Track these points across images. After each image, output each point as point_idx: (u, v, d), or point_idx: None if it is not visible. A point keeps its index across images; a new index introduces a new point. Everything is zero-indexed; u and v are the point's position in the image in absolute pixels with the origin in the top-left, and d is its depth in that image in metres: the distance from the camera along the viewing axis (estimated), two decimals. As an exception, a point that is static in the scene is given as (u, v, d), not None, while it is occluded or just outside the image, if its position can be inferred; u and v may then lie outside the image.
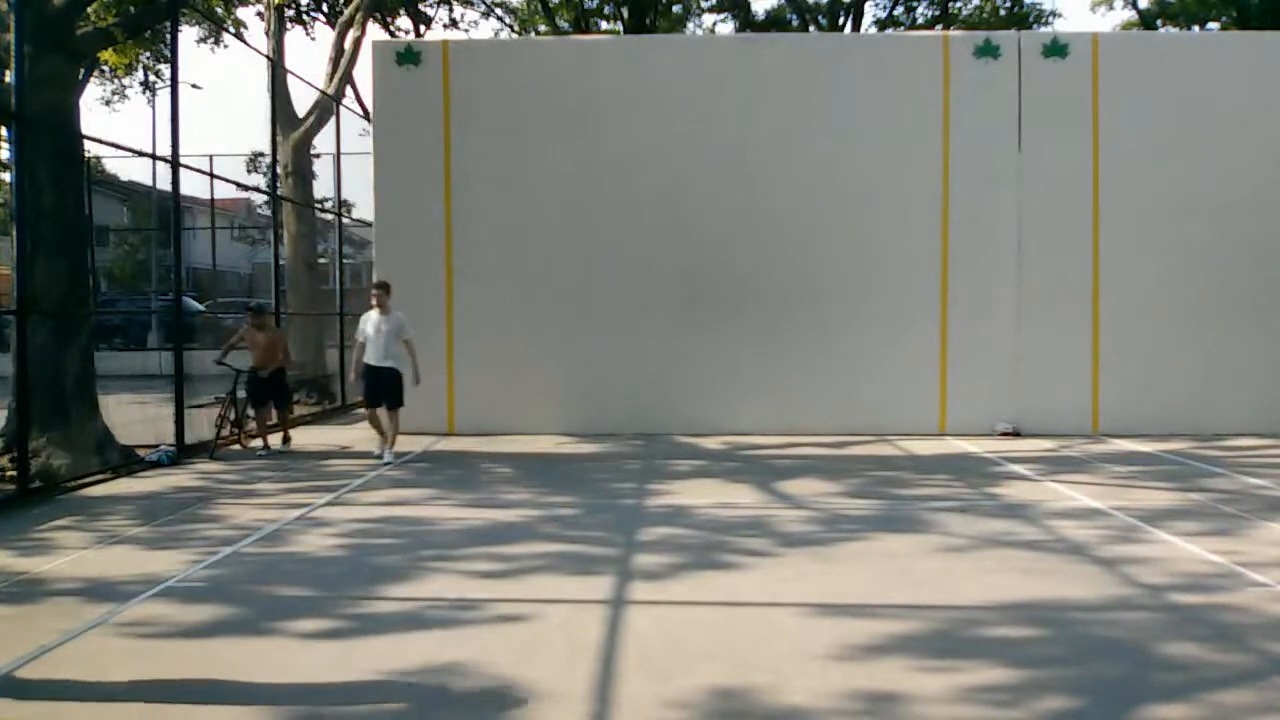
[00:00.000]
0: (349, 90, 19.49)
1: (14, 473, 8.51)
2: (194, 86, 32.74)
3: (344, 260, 19.28)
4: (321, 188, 19.72)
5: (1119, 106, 12.28)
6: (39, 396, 9.31)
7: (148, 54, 20.97)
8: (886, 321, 12.44)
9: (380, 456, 10.49)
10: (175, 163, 10.88)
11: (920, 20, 29.71)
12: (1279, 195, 12.25)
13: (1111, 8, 28.51)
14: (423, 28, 25.53)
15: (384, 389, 10.50)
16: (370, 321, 10.53)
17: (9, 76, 10.10)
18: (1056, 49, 12.41)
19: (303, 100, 17.36)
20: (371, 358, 10.44)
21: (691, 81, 12.66)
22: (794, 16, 29.93)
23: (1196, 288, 12.32)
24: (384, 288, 10.59)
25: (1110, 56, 12.42)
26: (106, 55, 16.22)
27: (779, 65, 12.73)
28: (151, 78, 24.28)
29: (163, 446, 10.47)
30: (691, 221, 12.56)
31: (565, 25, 27.65)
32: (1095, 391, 12.34)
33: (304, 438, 12.33)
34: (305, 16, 22.73)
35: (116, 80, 24.41)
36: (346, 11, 18.55)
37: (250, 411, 11.47)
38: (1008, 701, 4.03)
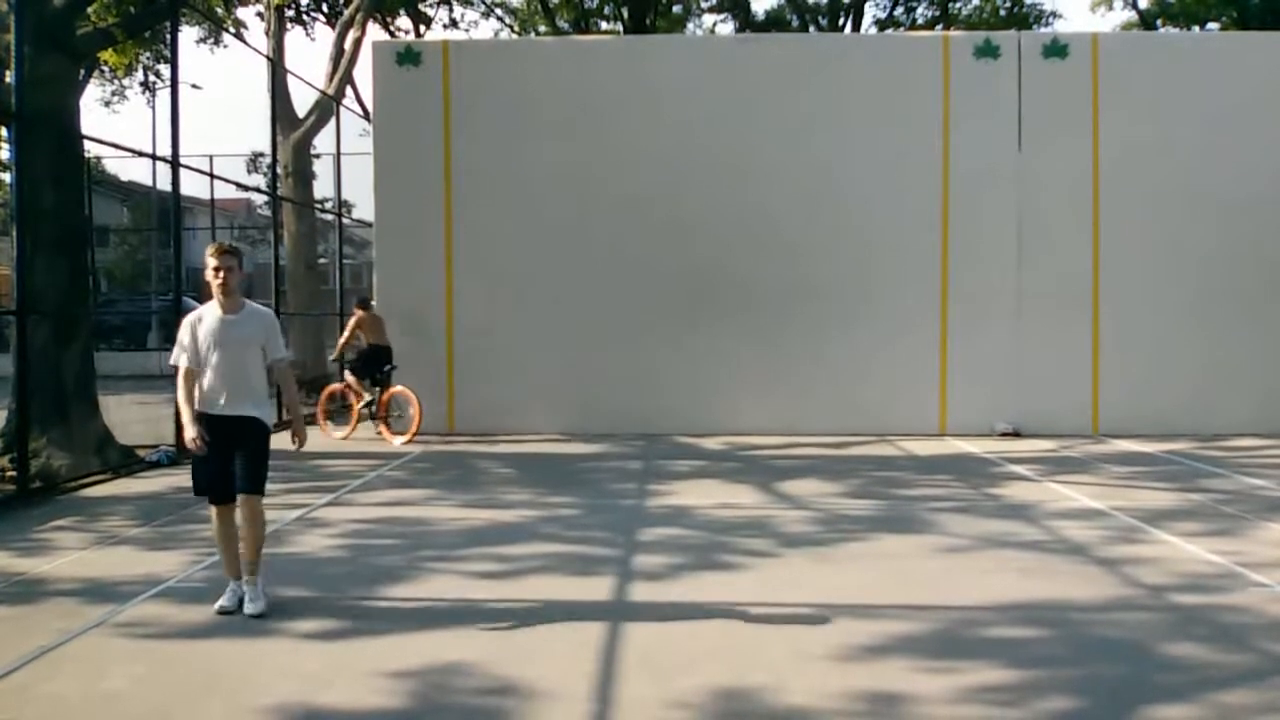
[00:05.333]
0: (349, 90, 19.49)
1: (14, 473, 8.50)
2: (194, 86, 32.76)
3: (344, 260, 19.28)
4: (321, 188, 19.73)
5: (1119, 107, 12.28)
6: (39, 396, 9.29)
7: (148, 54, 20.96)
8: (886, 321, 12.44)
9: (233, 605, 5.18)
10: (175, 163, 10.88)
11: (920, 20, 29.68)
12: (1279, 195, 12.25)
13: (1111, 8, 28.46)
14: (423, 28, 25.51)
15: (241, 458, 5.18)
16: (204, 326, 5.21)
17: (9, 76, 10.11)
18: (1056, 49, 12.41)
19: (303, 100, 17.38)
20: (215, 398, 5.19)
21: (692, 82, 12.65)
22: (794, 17, 29.92)
23: (1196, 287, 12.31)
24: (232, 254, 5.25)
25: (1110, 56, 12.42)
26: (106, 55, 16.20)
27: (779, 65, 12.72)
28: (151, 78, 24.28)
29: (163, 447, 10.45)
30: (692, 221, 12.55)
31: (565, 25, 27.64)
32: (1095, 391, 12.34)
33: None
34: (305, 17, 22.74)
35: (116, 80, 24.41)
36: (346, 12, 18.56)
37: None
38: (1008, 702, 4.03)
